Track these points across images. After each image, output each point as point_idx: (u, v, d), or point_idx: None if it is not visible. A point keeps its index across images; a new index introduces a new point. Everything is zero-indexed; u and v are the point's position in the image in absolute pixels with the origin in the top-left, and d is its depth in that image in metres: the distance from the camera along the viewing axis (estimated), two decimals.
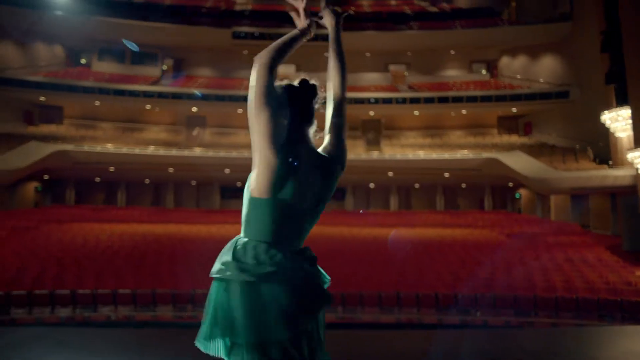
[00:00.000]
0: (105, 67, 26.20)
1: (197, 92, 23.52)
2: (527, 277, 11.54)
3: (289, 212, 1.61)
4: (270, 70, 1.63)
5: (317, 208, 1.69)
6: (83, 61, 26.97)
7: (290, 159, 1.60)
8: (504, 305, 10.19)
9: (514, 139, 24.90)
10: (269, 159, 1.57)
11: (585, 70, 21.48)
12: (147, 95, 23.52)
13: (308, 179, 1.65)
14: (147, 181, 25.48)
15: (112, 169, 22.28)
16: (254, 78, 1.61)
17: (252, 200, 1.61)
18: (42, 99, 23.45)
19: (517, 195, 25.60)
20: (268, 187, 1.57)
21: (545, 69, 24.43)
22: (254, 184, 1.60)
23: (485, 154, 22.08)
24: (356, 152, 24.00)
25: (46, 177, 23.50)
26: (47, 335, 5.23)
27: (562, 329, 8.48)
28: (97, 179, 24.87)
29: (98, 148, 21.65)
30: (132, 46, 24.08)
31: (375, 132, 26.48)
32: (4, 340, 4.88)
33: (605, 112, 16.93)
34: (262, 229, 1.59)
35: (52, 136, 22.41)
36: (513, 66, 26.29)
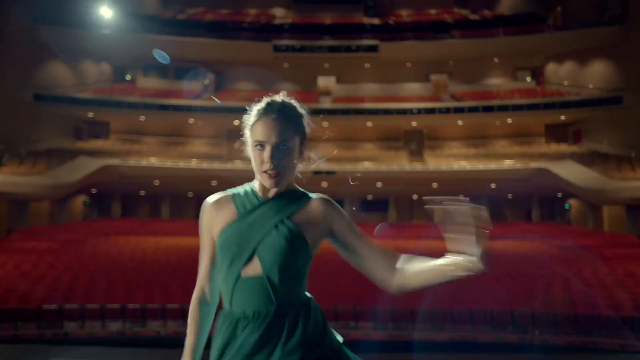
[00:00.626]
0: (150, 82, 26.80)
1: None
2: (586, 293, 10.97)
3: None
4: None
5: None
6: (128, 77, 27.68)
7: None
8: (564, 324, 9.67)
9: (563, 147, 24.03)
10: None
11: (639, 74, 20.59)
12: (190, 109, 23.90)
13: None
14: (190, 194, 25.79)
15: (156, 182, 22.66)
16: None
17: (310, 256, 1.42)
18: (90, 115, 24.13)
19: (566, 206, 24.65)
20: None
21: (595, 75, 23.55)
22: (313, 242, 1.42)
23: (533, 164, 21.37)
24: (399, 163, 23.68)
25: (94, 190, 24.10)
26: (100, 354, 5.19)
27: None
28: (142, 192, 25.35)
29: (143, 162, 22.07)
30: (164, 58, 24.52)
31: (417, 142, 26.07)
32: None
33: None
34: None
35: (99, 151, 23.00)
36: (560, 73, 25.47)
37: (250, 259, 1.36)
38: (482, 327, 9.89)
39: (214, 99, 24.00)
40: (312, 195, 1.46)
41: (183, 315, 10.10)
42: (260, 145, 1.40)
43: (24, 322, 9.60)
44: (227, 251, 1.37)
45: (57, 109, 22.89)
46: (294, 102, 1.48)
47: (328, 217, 1.42)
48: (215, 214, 1.44)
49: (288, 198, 1.43)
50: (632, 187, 17.88)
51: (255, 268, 1.35)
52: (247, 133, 1.46)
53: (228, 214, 1.42)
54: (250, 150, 1.45)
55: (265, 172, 1.38)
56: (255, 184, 1.48)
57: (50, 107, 22.63)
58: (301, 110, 1.49)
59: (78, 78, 24.85)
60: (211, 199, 1.48)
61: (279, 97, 1.47)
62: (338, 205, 1.44)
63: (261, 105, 1.45)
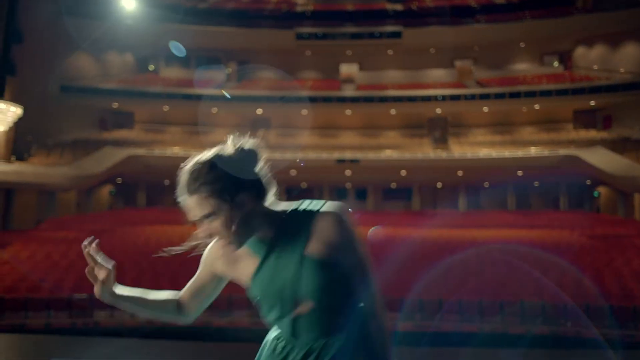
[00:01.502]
0: (172, 72, 26.90)
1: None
2: (620, 284, 10.70)
3: None
4: None
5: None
6: (151, 67, 27.82)
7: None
8: (598, 316, 9.43)
9: (592, 134, 23.42)
10: None
11: None
12: (213, 98, 23.92)
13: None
14: None
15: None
16: None
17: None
18: (115, 105, 24.36)
19: (595, 194, 24.11)
20: None
21: (627, 58, 22.81)
22: None
23: (562, 151, 20.89)
24: (423, 151, 23.40)
25: (119, 180, 24.40)
26: (133, 347, 5.21)
27: None
28: (167, 182, 25.56)
29: (168, 152, 22.24)
30: (180, 50, 24.56)
31: (441, 130, 25.71)
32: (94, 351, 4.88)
33: None
34: None
35: (124, 141, 23.25)
36: (589, 57, 24.75)
37: (296, 303, 1.28)
38: (512, 318, 9.71)
39: (224, 94, 23.96)
40: (317, 207, 1.30)
41: (212, 305, 10.16)
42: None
43: (56, 311, 9.77)
44: (270, 303, 1.32)
45: (82, 100, 23.16)
46: (202, 161, 1.31)
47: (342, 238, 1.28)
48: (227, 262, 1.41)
49: (295, 226, 1.30)
50: None
51: (306, 306, 1.29)
52: None
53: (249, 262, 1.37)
54: None
55: None
56: None
57: (76, 99, 22.92)
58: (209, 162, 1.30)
59: (102, 69, 25.10)
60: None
61: (188, 167, 1.32)
62: (345, 221, 1.29)
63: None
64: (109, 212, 22.95)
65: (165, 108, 24.63)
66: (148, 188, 25.68)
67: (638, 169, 18.08)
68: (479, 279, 11.04)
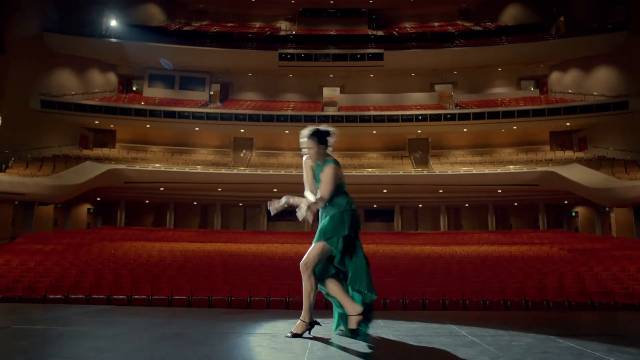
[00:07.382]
0: (155, 92, 26.95)
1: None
2: (600, 285, 10.80)
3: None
4: None
5: None
6: (134, 87, 27.86)
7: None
8: (580, 311, 9.49)
9: (569, 154, 23.96)
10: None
11: None
12: (196, 117, 23.95)
13: None
14: (195, 203, 25.71)
15: (162, 188, 22.59)
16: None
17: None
18: (97, 122, 24.21)
19: (573, 214, 24.49)
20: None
21: (600, 82, 23.60)
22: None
23: (540, 168, 21.31)
24: (404, 170, 23.60)
25: (98, 199, 24.04)
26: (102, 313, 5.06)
27: None
28: (147, 201, 25.27)
29: (149, 167, 22.05)
30: (168, 65, 24.80)
31: (422, 151, 26.04)
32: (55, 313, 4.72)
33: None
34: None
35: (105, 158, 23.03)
36: (564, 81, 25.55)
37: None
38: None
39: (207, 113, 23.99)
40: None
41: (190, 305, 9.93)
42: None
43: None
44: None
45: (63, 116, 22.98)
46: (314, 128, 3.55)
47: None
48: None
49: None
50: None
51: None
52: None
53: None
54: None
55: None
56: None
57: (57, 115, 22.74)
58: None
59: (85, 87, 25.04)
60: None
61: (308, 128, 3.54)
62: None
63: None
64: (87, 229, 22.51)
65: (148, 126, 24.53)
66: (127, 207, 25.35)
67: (614, 181, 18.46)
68: (463, 284, 11.04)
